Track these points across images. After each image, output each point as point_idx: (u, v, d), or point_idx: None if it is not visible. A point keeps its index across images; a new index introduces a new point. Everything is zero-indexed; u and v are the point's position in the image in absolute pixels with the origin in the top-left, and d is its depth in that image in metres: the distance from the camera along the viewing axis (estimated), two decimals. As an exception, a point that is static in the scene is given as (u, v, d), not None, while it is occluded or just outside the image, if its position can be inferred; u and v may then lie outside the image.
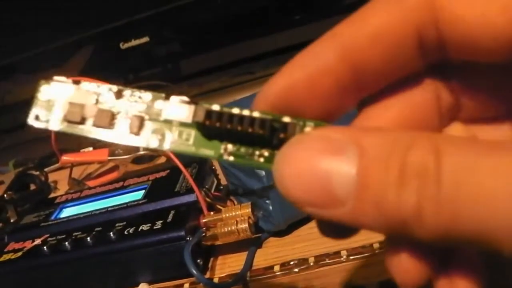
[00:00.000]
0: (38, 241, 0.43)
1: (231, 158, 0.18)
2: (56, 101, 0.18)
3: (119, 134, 0.18)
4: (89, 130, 0.18)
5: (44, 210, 0.48)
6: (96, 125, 0.18)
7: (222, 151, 0.18)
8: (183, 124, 0.18)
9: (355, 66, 0.16)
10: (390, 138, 0.13)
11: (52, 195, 0.62)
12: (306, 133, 0.16)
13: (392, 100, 0.17)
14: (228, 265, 0.40)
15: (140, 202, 0.43)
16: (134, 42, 0.73)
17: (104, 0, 0.71)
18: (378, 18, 0.15)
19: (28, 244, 0.43)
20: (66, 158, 0.59)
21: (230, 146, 0.18)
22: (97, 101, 0.18)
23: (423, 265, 0.15)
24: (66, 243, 0.40)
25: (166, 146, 0.18)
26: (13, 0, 0.71)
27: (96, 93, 0.18)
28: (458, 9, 0.14)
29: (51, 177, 0.65)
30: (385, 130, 0.14)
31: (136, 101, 0.18)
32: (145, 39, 0.73)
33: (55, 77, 0.18)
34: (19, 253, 0.42)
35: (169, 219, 0.40)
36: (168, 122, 0.18)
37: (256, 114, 0.17)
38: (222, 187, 0.48)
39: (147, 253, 0.38)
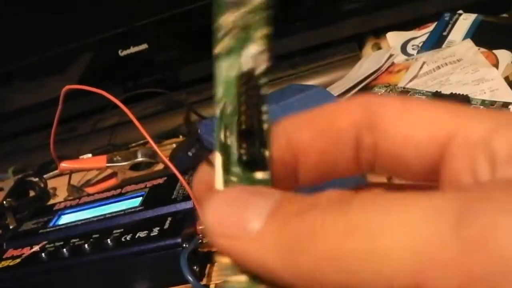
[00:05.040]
0: (36, 248, 0.43)
1: None
2: None
3: None
4: None
5: (42, 217, 0.49)
6: None
7: None
8: None
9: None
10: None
11: (51, 201, 0.62)
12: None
13: None
14: (224, 271, 0.40)
15: (138, 209, 0.44)
16: (133, 49, 0.73)
17: (103, 8, 0.72)
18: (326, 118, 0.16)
19: (27, 251, 0.43)
20: (65, 165, 0.60)
21: None
22: None
23: None
24: (64, 249, 0.41)
25: None
26: (12, 7, 0.71)
27: None
28: (391, 126, 0.15)
29: (50, 184, 0.65)
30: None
31: None
32: (144, 46, 0.73)
33: None
34: (18, 260, 0.42)
35: (166, 226, 0.40)
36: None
37: None
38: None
39: (144, 260, 0.39)
